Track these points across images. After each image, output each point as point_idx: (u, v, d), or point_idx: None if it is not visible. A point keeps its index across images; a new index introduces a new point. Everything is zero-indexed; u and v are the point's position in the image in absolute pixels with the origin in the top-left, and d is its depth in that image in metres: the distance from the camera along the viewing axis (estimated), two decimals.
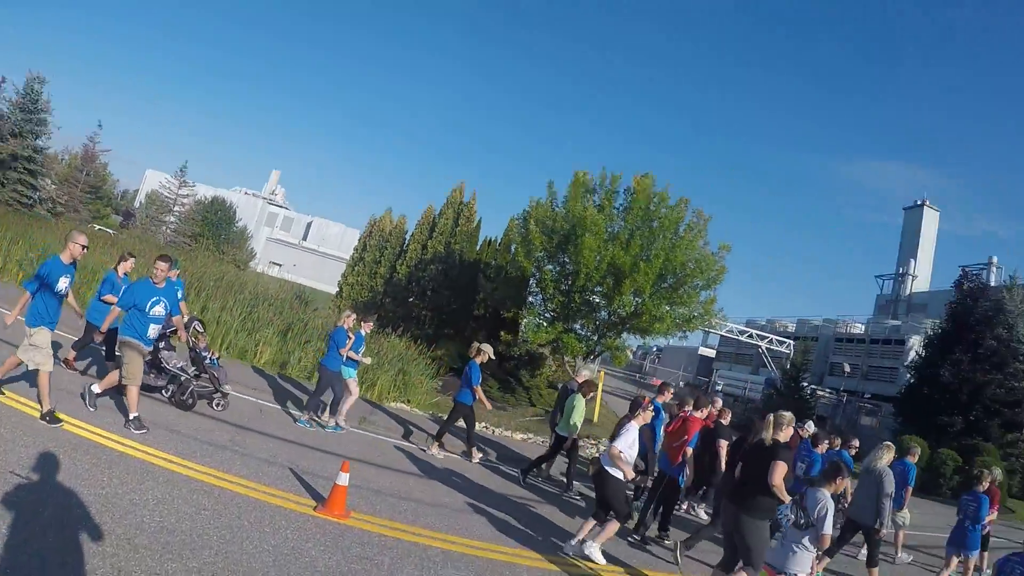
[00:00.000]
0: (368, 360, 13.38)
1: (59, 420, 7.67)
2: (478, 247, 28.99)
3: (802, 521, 6.83)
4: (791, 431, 7.79)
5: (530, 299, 24.63)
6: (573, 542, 8.44)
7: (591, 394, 12.40)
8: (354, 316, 12.22)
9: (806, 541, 6.76)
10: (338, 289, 31.15)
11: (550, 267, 22.85)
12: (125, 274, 10.86)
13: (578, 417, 11.88)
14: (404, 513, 8.32)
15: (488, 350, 12.63)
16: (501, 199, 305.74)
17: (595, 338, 22.95)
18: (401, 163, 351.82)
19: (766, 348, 50.48)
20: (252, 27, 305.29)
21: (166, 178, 63.30)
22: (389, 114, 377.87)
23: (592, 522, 8.54)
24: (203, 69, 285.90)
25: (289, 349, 16.65)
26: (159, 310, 8.78)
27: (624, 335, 24.12)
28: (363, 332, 12.40)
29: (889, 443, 10.57)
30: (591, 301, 22.29)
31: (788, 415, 7.83)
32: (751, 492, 7.40)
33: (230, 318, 16.65)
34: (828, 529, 6.71)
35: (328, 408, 12.22)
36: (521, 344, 24.82)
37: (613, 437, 8.59)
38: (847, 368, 47.79)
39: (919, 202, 76.75)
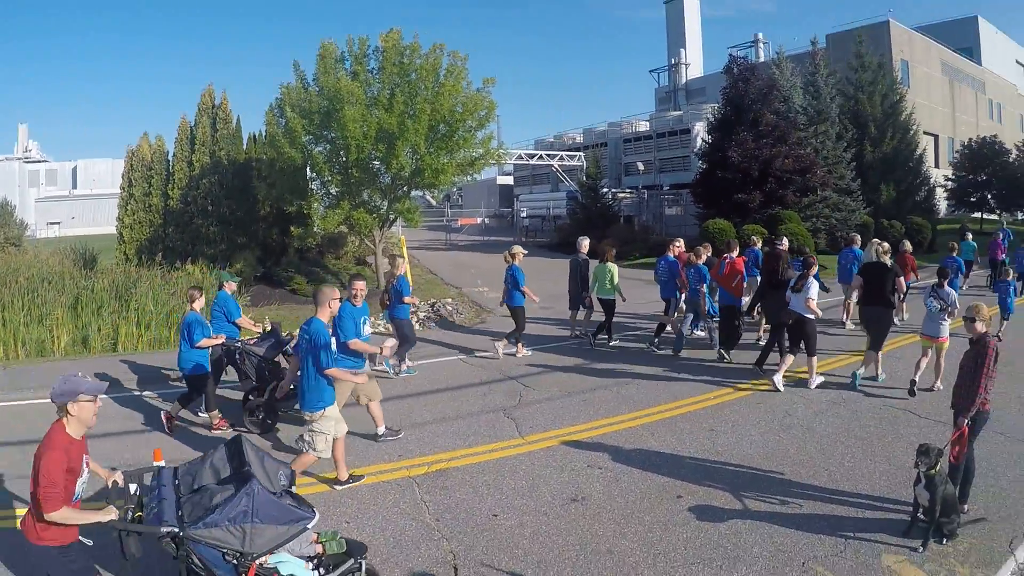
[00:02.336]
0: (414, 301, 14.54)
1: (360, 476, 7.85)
2: (244, 147, 27.69)
3: (944, 305, 10.84)
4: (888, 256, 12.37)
5: (312, 186, 23.86)
6: (778, 376, 11.51)
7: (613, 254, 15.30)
8: (406, 262, 13.10)
9: (945, 317, 10.90)
10: (118, 235, 29.13)
11: (319, 149, 22.08)
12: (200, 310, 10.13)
13: (617, 279, 14.76)
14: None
15: (519, 251, 14.52)
16: (263, 90, 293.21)
17: (385, 206, 22.58)
18: (148, 80, 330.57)
19: (559, 165, 50.59)
20: None
21: None
22: (117, 32, 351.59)
23: (790, 358, 11.71)
24: None
25: (85, 322, 15.61)
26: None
27: (413, 195, 23.99)
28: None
29: (875, 239, 15.04)
30: (371, 169, 21.79)
31: (886, 244, 12.70)
32: (880, 296, 11.69)
33: (14, 315, 15.34)
34: (958, 307, 10.63)
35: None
36: (315, 234, 24.20)
37: (798, 290, 11.34)
38: (641, 166, 48.98)
39: None
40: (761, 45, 71.18)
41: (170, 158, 28.16)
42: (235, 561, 4.63)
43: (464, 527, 6.74)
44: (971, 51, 70.60)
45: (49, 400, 4.76)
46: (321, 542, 5.21)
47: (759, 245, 17.07)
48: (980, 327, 7.19)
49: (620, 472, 8.06)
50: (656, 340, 14.63)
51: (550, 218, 48.93)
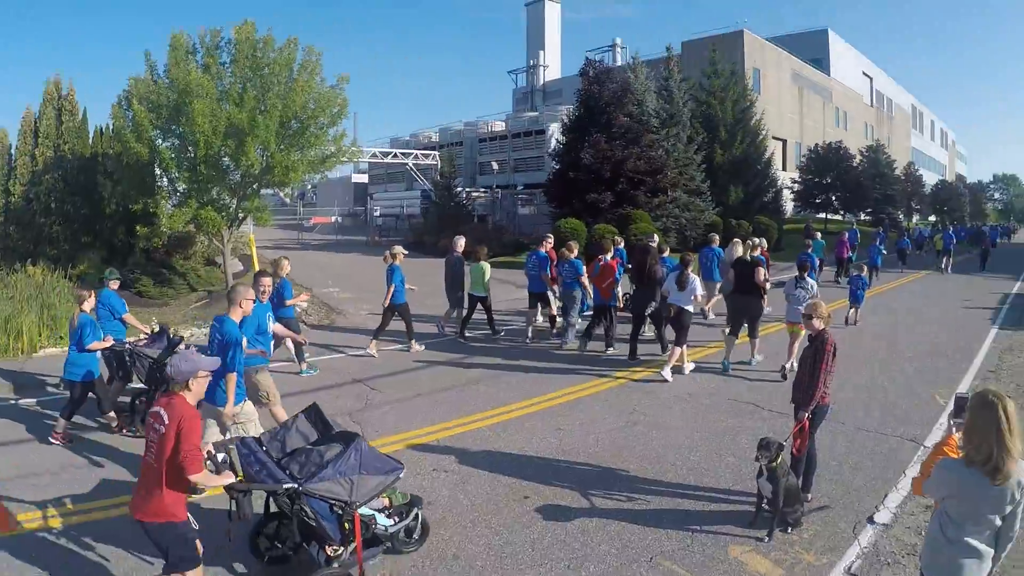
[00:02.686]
0: (304, 299, 14.23)
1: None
2: (91, 141, 26.68)
3: (807, 295, 12.19)
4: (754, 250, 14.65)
5: (159, 183, 22.92)
6: (666, 369, 12.22)
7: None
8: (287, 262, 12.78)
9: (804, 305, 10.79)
10: None
11: (167, 144, 21.28)
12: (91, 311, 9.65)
13: (488, 278, 15.61)
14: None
15: (400, 251, 14.79)
16: (115, 81, 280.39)
17: (234, 204, 22.11)
18: None
19: (413, 164, 50.25)
20: None
21: None
22: None
23: (678, 350, 12.37)
24: None
25: None
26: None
27: (267, 193, 23.69)
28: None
29: (736, 239, 17.26)
30: (220, 166, 21.23)
31: (756, 240, 15.58)
32: (750, 288, 12.89)
33: None
34: (819, 295, 11.90)
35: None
36: (162, 233, 23.39)
37: (683, 286, 12.43)
38: (495, 165, 49.62)
39: None
40: (619, 50, 73.15)
41: (13, 152, 27.04)
42: (340, 511, 5.42)
43: None
44: (821, 62, 74.41)
45: (170, 375, 5.12)
46: (386, 496, 5.99)
47: (622, 244, 18.59)
48: (818, 324, 7.30)
49: (467, 474, 8.04)
50: (555, 332, 15.80)
51: (404, 217, 48.82)
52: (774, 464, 6.49)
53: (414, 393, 11.57)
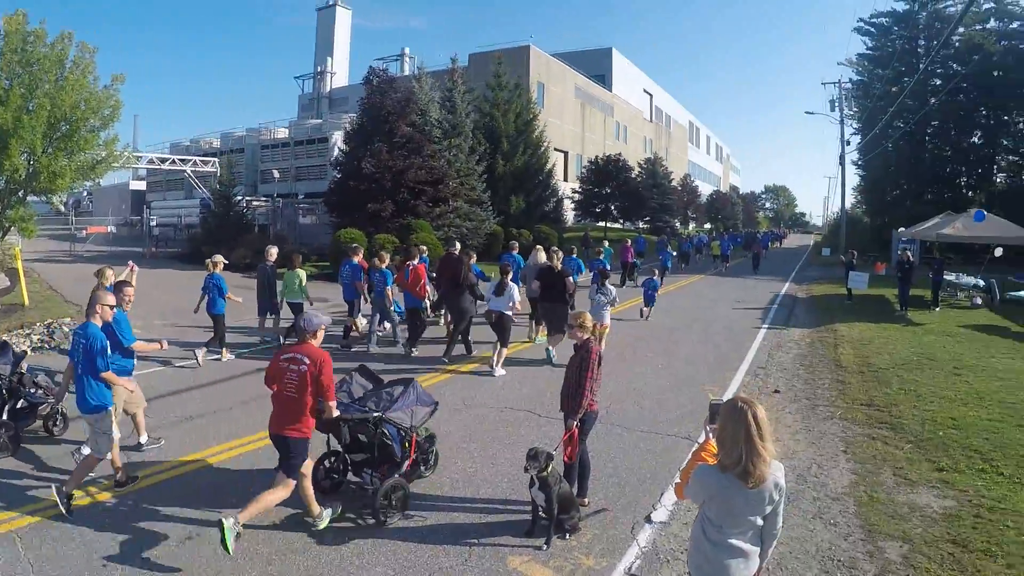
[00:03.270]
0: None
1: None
2: None
3: (607, 300, 14.60)
4: (559, 259, 15.30)
5: None
6: (495, 367, 13.35)
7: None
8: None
9: (608, 308, 14.67)
10: None
11: None
12: None
13: (305, 284, 16.08)
14: None
15: (220, 259, 14.83)
16: None
17: None
18: None
19: (192, 171, 48.67)
20: None
21: None
22: None
23: (504, 351, 13.64)
24: None
25: None
26: None
27: (36, 200, 22.86)
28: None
29: (539, 246, 18.62)
30: None
31: (559, 251, 15.97)
32: (556, 295, 14.34)
33: None
34: (618, 300, 15.24)
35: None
36: None
37: (500, 292, 13.71)
38: (276, 174, 49.17)
39: (331, 2, 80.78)
40: (407, 59, 74.77)
41: None
42: (403, 434, 7.37)
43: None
44: (604, 78, 78.57)
45: (303, 327, 6.72)
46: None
47: (426, 252, 19.49)
48: (581, 334, 7.31)
49: (239, 501, 7.06)
50: (346, 340, 16.20)
51: (182, 227, 46.64)
52: (544, 473, 6.58)
53: (209, 409, 10.85)
